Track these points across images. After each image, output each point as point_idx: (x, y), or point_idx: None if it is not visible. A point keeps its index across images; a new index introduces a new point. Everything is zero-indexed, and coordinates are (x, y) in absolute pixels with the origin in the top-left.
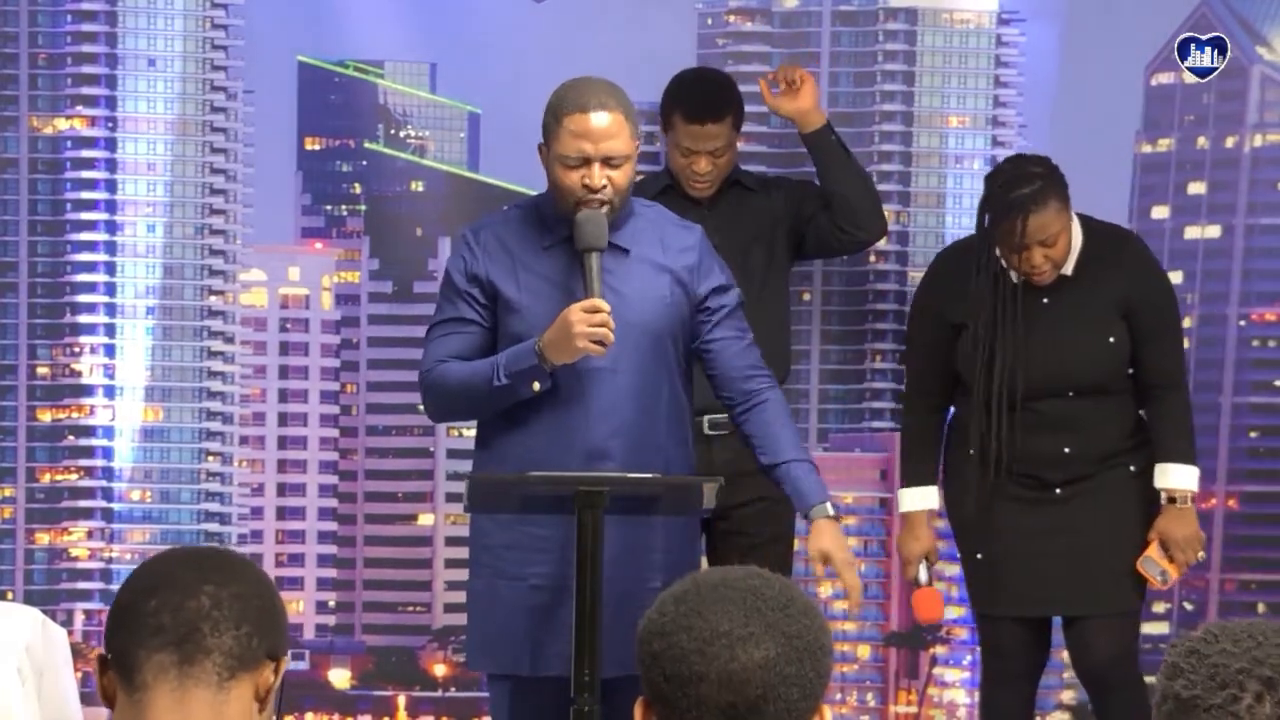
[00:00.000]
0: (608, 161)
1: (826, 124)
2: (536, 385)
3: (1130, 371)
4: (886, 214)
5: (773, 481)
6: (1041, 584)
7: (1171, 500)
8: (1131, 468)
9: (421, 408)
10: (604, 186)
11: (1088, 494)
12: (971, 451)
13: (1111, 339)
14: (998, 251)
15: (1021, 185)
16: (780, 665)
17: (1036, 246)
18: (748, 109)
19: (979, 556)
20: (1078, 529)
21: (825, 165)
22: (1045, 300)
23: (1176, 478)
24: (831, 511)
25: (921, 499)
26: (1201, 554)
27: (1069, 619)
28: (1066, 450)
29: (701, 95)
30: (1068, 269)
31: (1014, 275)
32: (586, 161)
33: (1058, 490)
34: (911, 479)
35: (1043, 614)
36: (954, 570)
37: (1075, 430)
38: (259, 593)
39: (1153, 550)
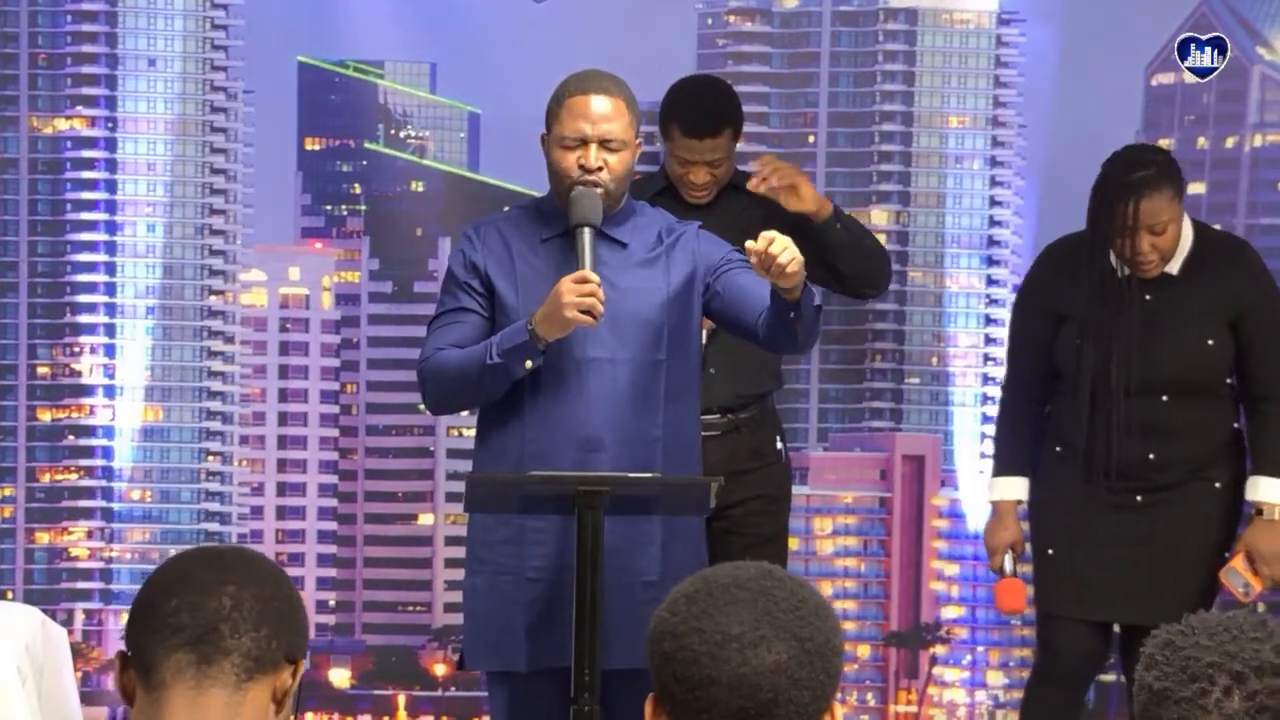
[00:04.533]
0: (605, 144)
1: (833, 211)
2: (529, 363)
3: (1230, 382)
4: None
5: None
6: (1108, 589)
7: (1259, 512)
8: (1217, 484)
9: (422, 406)
10: (599, 168)
11: (1168, 504)
12: (1058, 449)
13: (1211, 342)
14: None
15: (1138, 169)
16: (792, 669)
17: (1145, 232)
18: (746, 109)
19: (1050, 553)
20: (1153, 539)
21: (835, 252)
22: (1148, 297)
23: (1268, 490)
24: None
25: (1012, 489)
26: None
27: (1128, 626)
28: (1151, 456)
29: (700, 110)
30: (1174, 268)
31: (1119, 269)
32: (584, 142)
33: (1139, 498)
34: (1004, 468)
35: (1103, 619)
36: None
37: (1163, 435)
38: (280, 595)
39: (1238, 562)
